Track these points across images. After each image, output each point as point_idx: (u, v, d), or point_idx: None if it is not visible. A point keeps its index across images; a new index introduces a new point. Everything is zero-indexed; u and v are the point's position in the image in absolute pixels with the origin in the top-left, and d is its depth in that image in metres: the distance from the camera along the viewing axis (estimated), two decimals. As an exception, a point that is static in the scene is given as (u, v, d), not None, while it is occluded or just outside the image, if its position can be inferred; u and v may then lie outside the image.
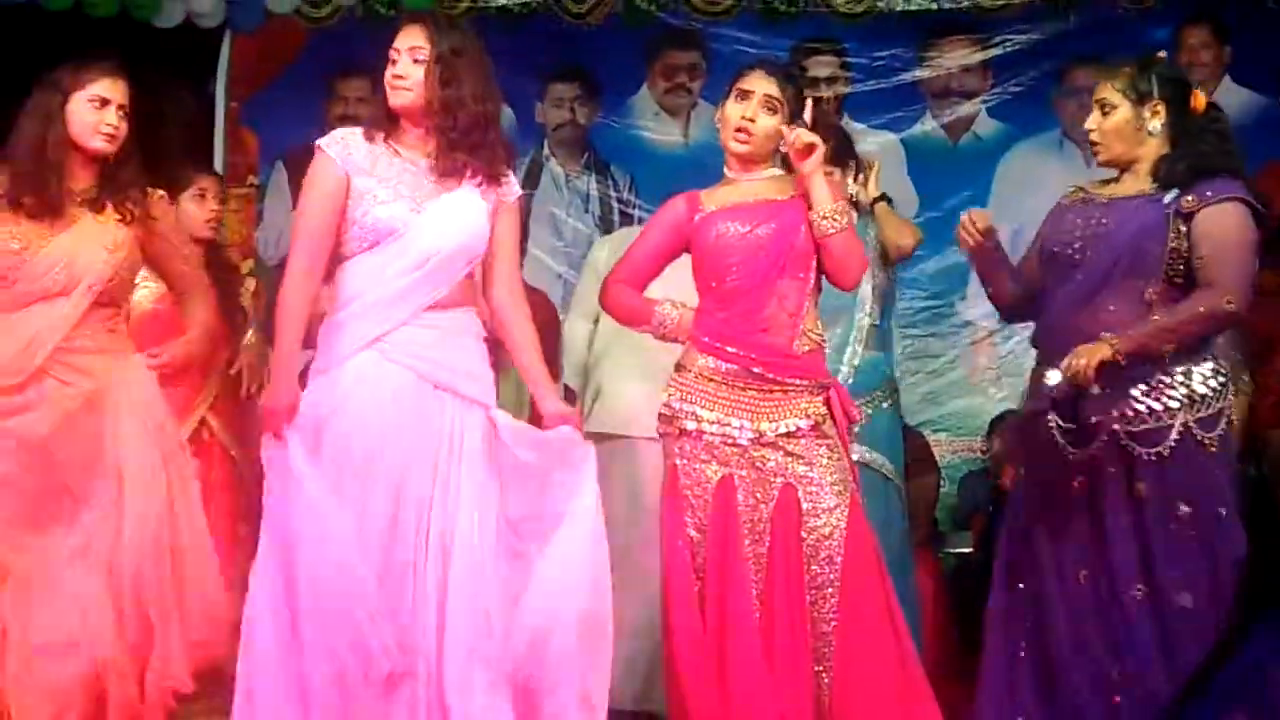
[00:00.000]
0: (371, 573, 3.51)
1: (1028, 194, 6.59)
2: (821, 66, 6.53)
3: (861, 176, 4.85)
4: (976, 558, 6.07)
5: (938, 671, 4.45)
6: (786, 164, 4.01)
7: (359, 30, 6.10)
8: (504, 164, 3.74)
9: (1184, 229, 3.85)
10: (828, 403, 3.92)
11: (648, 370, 4.35)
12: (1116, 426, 3.87)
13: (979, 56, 6.61)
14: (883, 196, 4.93)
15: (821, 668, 3.81)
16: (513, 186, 3.80)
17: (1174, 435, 3.83)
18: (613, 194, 6.70)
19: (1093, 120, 4.02)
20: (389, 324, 3.60)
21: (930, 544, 5.86)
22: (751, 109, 3.93)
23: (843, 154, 4.78)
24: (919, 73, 6.61)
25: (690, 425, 3.90)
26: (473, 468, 3.63)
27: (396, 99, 3.64)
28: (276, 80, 6.54)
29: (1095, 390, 3.80)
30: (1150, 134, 3.96)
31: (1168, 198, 3.90)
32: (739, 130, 3.94)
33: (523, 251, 5.81)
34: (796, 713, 3.77)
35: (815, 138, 3.90)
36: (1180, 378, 3.86)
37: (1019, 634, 4.00)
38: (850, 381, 4.62)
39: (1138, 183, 3.98)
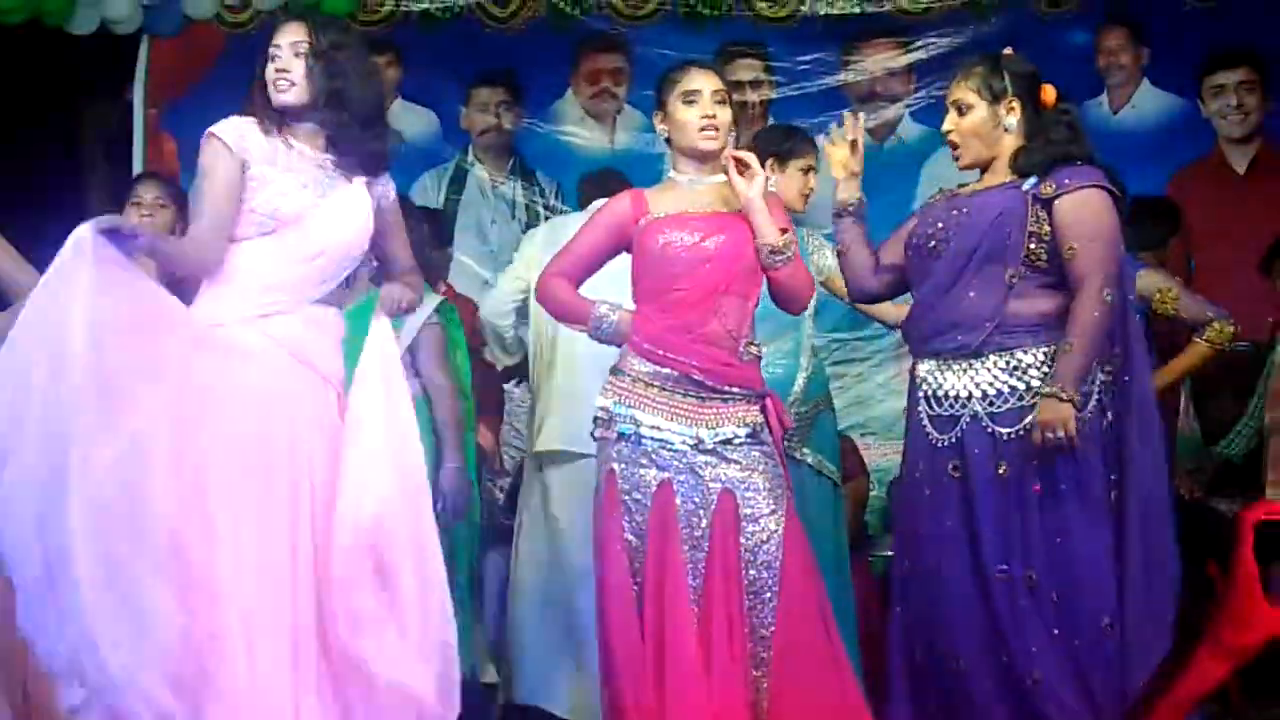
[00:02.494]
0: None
1: (952, 197, 6.64)
2: (745, 70, 6.53)
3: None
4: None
5: (870, 675, 4.47)
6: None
7: (279, 35, 6.02)
8: (387, 161, 3.74)
9: (1043, 214, 3.94)
10: (764, 411, 3.92)
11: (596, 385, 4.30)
12: (979, 408, 3.95)
13: (902, 60, 6.63)
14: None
15: (760, 672, 3.81)
16: (390, 185, 3.80)
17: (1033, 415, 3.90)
18: (539, 200, 6.66)
19: (950, 122, 4.09)
20: (271, 309, 3.57)
21: (860, 547, 5.86)
22: (709, 106, 3.92)
23: (800, 151, 4.79)
24: (843, 76, 6.62)
25: (628, 430, 3.88)
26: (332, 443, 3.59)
27: (281, 96, 3.60)
28: (195, 86, 6.45)
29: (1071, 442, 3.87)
30: (1006, 130, 4.03)
31: (1026, 184, 3.99)
32: (706, 128, 3.92)
33: (448, 258, 5.81)
34: (734, 717, 3.76)
35: (752, 158, 3.89)
36: (1041, 357, 3.94)
37: (916, 637, 4.06)
38: (803, 392, 4.66)
39: (997, 177, 4.07)
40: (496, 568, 5.23)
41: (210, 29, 6.22)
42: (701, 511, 3.85)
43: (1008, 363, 3.96)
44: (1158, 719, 3.89)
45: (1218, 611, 4.70)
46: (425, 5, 6.34)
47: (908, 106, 6.69)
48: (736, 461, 3.86)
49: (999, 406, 3.95)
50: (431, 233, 5.05)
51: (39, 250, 5.34)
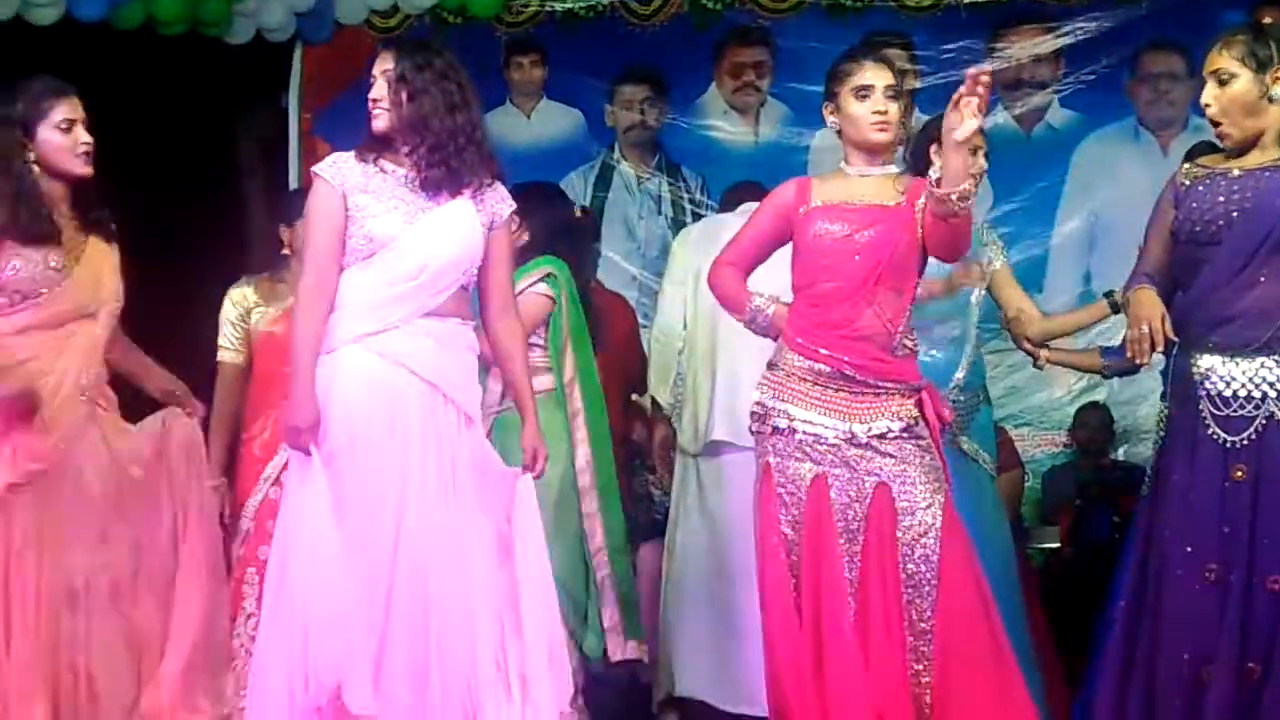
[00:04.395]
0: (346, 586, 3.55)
1: (1104, 182, 6.55)
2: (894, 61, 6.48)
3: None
4: (1065, 553, 6.02)
5: (1041, 672, 4.42)
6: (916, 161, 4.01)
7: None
8: (488, 174, 3.79)
9: None
10: (919, 405, 3.89)
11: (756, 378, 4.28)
12: (1275, 409, 3.77)
13: (1050, 46, 6.55)
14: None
15: (921, 666, 3.78)
16: (504, 201, 3.84)
17: None
18: (684, 194, 6.69)
19: (1209, 94, 3.83)
20: (380, 324, 3.66)
21: (1017, 540, 5.80)
22: (880, 101, 3.89)
23: None
24: (989, 64, 6.54)
25: (782, 424, 3.88)
26: (464, 475, 3.69)
27: (375, 122, 3.72)
28: (348, 91, 6.57)
29: None
30: (1273, 101, 3.80)
31: None
32: (878, 123, 3.89)
33: (597, 254, 5.85)
34: (895, 710, 3.74)
35: (978, 99, 3.68)
36: None
37: (1139, 638, 3.90)
38: (964, 380, 4.59)
39: (1267, 153, 3.84)
40: (653, 560, 5.25)
41: (360, 34, 6.34)
42: (856, 505, 3.84)
43: None
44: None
45: None
46: (569, 5, 6.41)
47: (1056, 92, 6.62)
48: (891, 455, 3.84)
49: None
50: (583, 222, 5.05)
51: (200, 257, 5.50)
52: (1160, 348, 3.78)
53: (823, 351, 3.86)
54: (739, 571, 4.46)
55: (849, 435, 3.85)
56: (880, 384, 3.86)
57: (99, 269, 3.98)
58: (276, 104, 6.61)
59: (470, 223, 3.75)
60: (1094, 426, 6.31)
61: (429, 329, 3.70)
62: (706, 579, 4.87)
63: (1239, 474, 3.78)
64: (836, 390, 3.86)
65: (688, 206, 6.67)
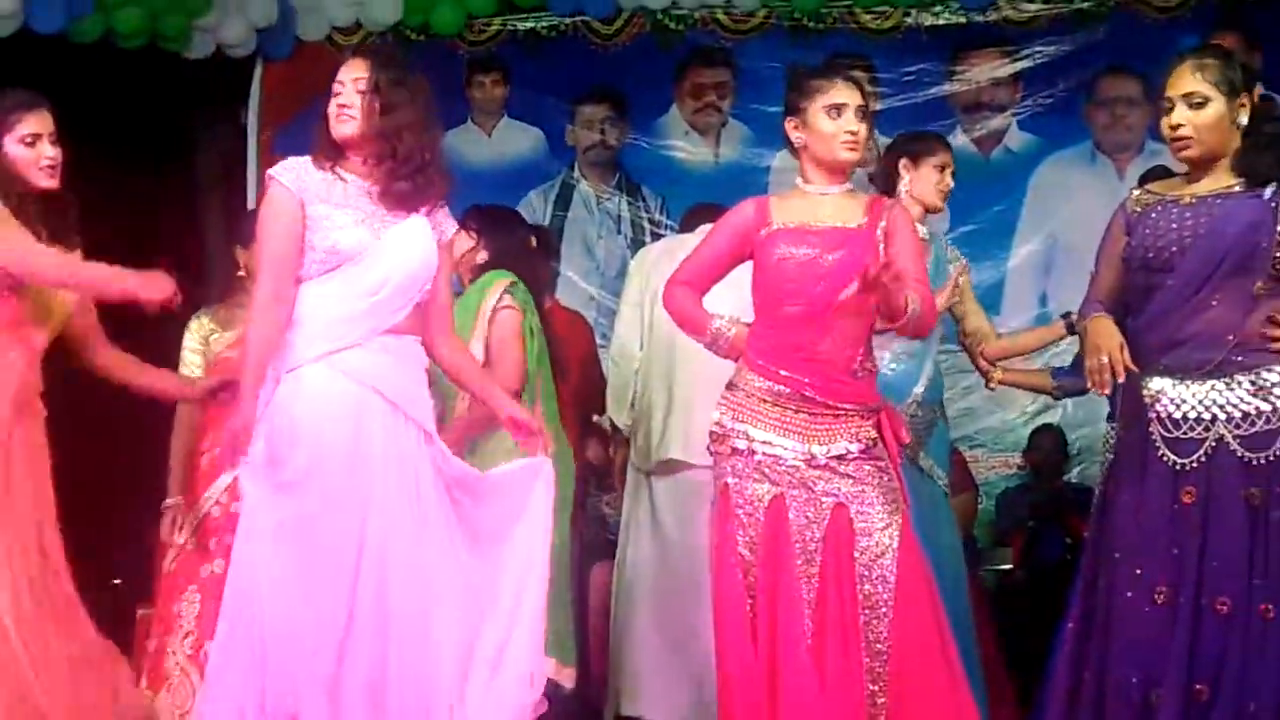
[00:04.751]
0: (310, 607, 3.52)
1: (1060, 206, 6.61)
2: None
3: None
4: (1018, 574, 6.05)
5: (987, 692, 4.43)
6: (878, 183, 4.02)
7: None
8: (442, 196, 3.78)
9: None
10: (877, 426, 3.90)
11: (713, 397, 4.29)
12: (1225, 431, 3.78)
13: (1008, 69, 6.60)
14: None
15: (876, 687, 3.78)
16: (449, 221, 3.84)
17: None
18: (644, 214, 6.71)
19: (1181, 116, 3.78)
20: (341, 343, 3.61)
21: (970, 561, 5.83)
22: (853, 121, 3.89)
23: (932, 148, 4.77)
24: (948, 87, 6.60)
25: (741, 444, 3.88)
26: (425, 494, 3.66)
27: (341, 128, 3.66)
28: (309, 108, 6.56)
29: None
30: (1237, 127, 3.80)
31: (1268, 192, 3.77)
32: (849, 141, 3.89)
33: (555, 274, 5.85)
34: (850, 731, 3.76)
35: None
36: None
37: (1088, 659, 3.90)
38: (923, 395, 4.60)
39: (1219, 179, 3.84)
40: (605, 581, 5.24)
41: (322, 51, 6.33)
42: (815, 526, 3.83)
43: (1254, 382, 3.74)
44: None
45: None
46: (531, 24, 6.42)
47: (1014, 116, 6.67)
48: (850, 476, 3.84)
49: (1247, 429, 3.74)
50: (540, 247, 5.06)
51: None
52: (1121, 378, 3.79)
53: (783, 373, 3.85)
54: (689, 590, 4.46)
55: (808, 456, 3.85)
56: (840, 406, 3.86)
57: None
58: (236, 120, 6.59)
59: (428, 239, 3.74)
60: (1047, 449, 6.35)
61: (388, 346, 3.67)
62: (656, 597, 4.86)
63: (1188, 496, 3.78)
64: (796, 411, 3.86)
65: (647, 226, 6.68)
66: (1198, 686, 3.73)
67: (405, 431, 3.66)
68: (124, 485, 5.20)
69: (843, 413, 3.86)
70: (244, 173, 6.50)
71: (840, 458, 3.84)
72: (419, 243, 3.72)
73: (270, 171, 3.71)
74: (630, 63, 6.58)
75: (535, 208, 6.66)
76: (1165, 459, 3.82)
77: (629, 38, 6.42)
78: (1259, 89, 3.86)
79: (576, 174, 6.75)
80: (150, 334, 4.92)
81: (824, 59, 6.43)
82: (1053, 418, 6.36)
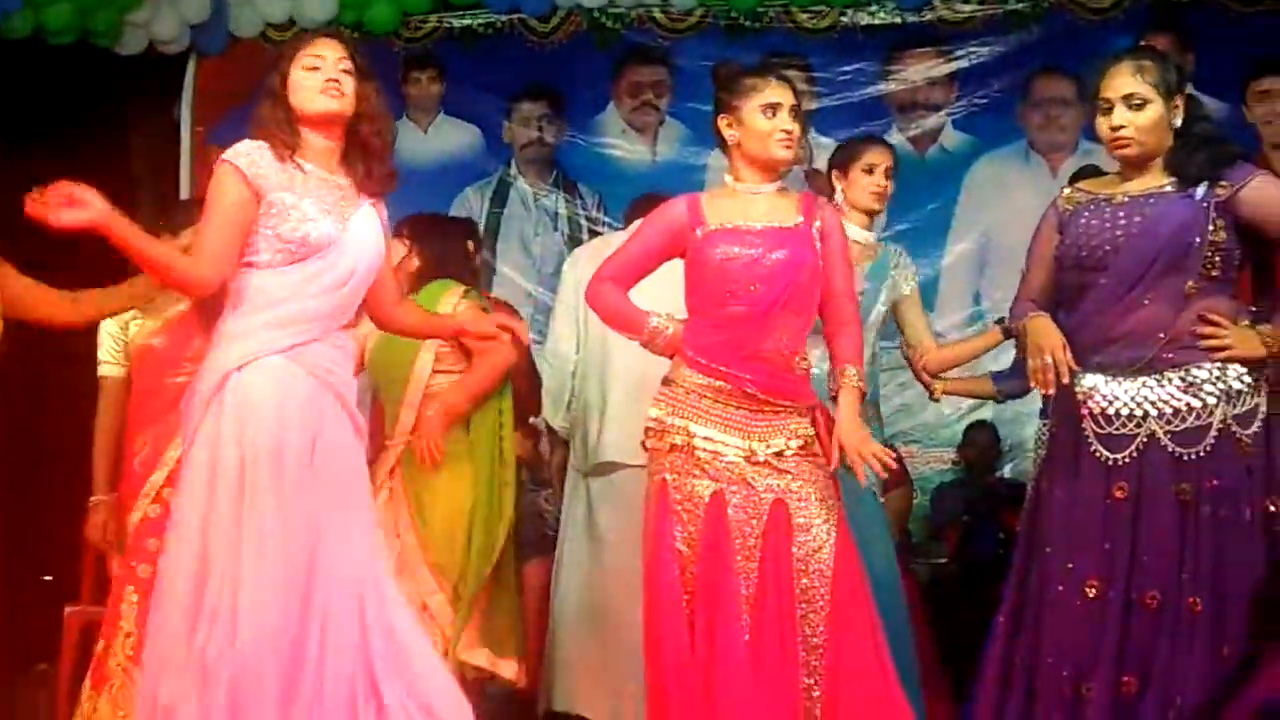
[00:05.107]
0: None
1: (994, 205, 6.65)
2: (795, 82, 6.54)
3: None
4: (952, 569, 6.09)
5: (922, 685, 4.46)
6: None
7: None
8: (392, 188, 3.75)
9: (1220, 221, 3.78)
10: (814, 423, 3.92)
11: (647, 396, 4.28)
12: (1156, 428, 3.82)
13: (943, 69, 6.64)
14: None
15: (812, 680, 3.80)
16: (384, 211, 3.78)
17: (1213, 433, 3.78)
18: (581, 212, 6.70)
19: (1121, 117, 3.80)
20: (305, 336, 3.54)
21: (905, 556, 5.86)
22: (787, 120, 3.91)
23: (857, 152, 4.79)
24: (884, 86, 6.63)
25: (680, 440, 3.88)
26: (360, 487, 3.66)
27: (327, 104, 3.57)
28: (242, 104, 6.51)
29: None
30: (1173, 128, 3.84)
31: (1199, 192, 3.81)
32: (784, 140, 3.90)
33: (492, 270, 5.84)
34: (786, 727, 3.77)
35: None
36: (1216, 373, 3.79)
37: (1019, 652, 3.94)
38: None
39: (1152, 179, 3.88)
40: (539, 576, 5.25)
41: (256, 47, 6.28)
42: (754, 521, 3.85)
43: (1184, 379, 3.78)
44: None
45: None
46: (467, 21, 6.39)
47: (949, 115, 6.70)
48: (788, 472, 3.86)
49: (1177, 425, 3.78)
50: (470, 240, 5.05)
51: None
52: (1065, 379, 3.82)
53: (723, 369, 3.86)
54: (624, 589, 4.46)
55: (748, 453, 3.86)
56: (780, 402, 3.88)
57: None
58: (169, 116, 6.53)
59: (380, 229, 3.70)
60: (982, 445, 6.40)
61: (341, 341, 3.63)
62: (591, 596, 4.87)
63: (1120, 491, 3.83)
64: (736, 408, 3.87)
65: (584, 224, 6.68)
66: (1126, 679, 3.78)
67: (348, 426, 3.62)
68: (56, 479, 5.13)
69: (782, 409, 3.88)
70: (176, 168, 6.44)
71: (779, 454, 3.86)
72: (375, 232, 3.68)
73: (226, 155, 3.56)
74: (567, 60, 6.57)
75: (472, 204, 6.65)
76: (1097, 455, 3.86)
77: (566, 35, 6.41)
78: (1187, 88, 3.91)
79: (514, 171, 6.74)
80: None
81: (760, 58, 6.47)
82: (987, 414, 6.40)
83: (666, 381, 3.95)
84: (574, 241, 6.64)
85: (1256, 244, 3.89)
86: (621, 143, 6.75)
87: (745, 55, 6.29)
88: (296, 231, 3.53)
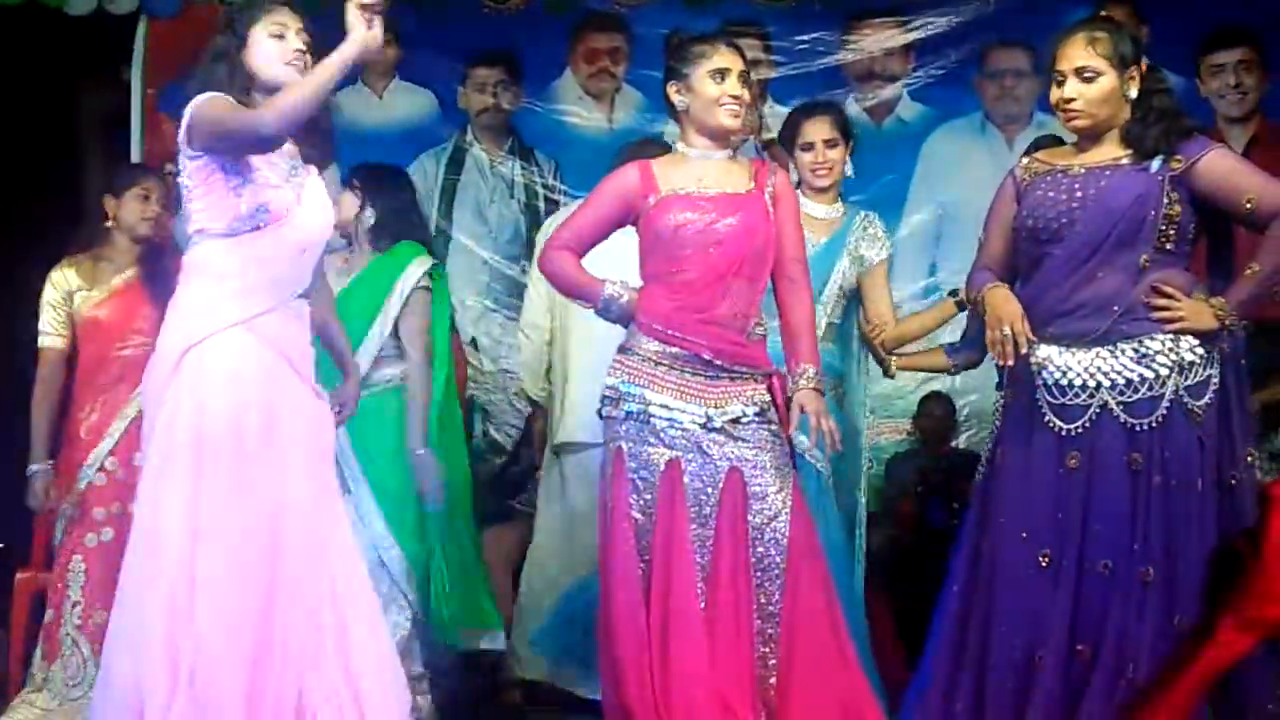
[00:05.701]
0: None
1: (951, 175, 6.65)
2: (745, 50, 6.51)
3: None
4: (907, 540, 6.11)
5: (874, 653, 4.48)
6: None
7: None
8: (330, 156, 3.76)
9: (1174, 195, 3.80)
10: (770, 390, 3.91)
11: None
12: (1109, 398, 3.84)
13: (901, 39, 6.62)
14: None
15: (767, 649, 3.83)
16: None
17: (1165, 404, 3.80)
18: (537, 179, 6.65)
19: (1073, 89, 3.82)
20: (263, 306, 3.51)
21: (861, 527, 5.87)
22: (735, 86, 3.91)
23: (788, 134, 4.77)
24: (842, 56, 6.60)
25: (636, 408, 3.88)
26: (326, 457, 3.64)
27: (291, 75, 3.52)
28: (193, 67, 6.43)
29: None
30: (1127, 100, 3.85)
31: (1154, 165, 3.83)
32: (731, 107, 3.90)
33: (447, 237, 5.78)
34: (739, 694, 3.77)
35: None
36: (1169, 344, 3.81)
37: (972, 621, 3.95)
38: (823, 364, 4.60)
39: (1108, 150, 3.89)
40: (496, 544, 5.25)
41: (209, 9, 6.18)
42: (710, 489, 3.86)
43: (1136, 350, 3.81)
44: (1177, 694, 3.85)
45: (1243, 585, 4.63)
46: (425, -16, 6.33)
47: (906, 86, 6.68)
48: (744, 440, 3.87)
49: (1130, 396, 3.80)
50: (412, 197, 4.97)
51: (37, 231, 5.34)
52: (1025, 349, 3.83)
53: (678, 335, 3.87)
54: (593, 561, 4.46)
55: (704, 420, 3.87)
56: (735, 369, 3.89)
57: None
58: (119, 78, 6.45)
59: (327, 198, 3.69)
60: (937, 416, 6.41)
61: (299, 311, 3.60)
62: (561, 567, 4.89)
63: (1073, 461, 3.85)
64: (693, 375, 3.88)
65: (541, 191, 6.63)
66: (1079, 647, 3.81)
67: (307, 396, 3.60)
68: (7, 444, 5.09)
69: (738, 376, 3.89)
70: (126, 130, 6.36)
71: (735, 421, 3.87)
72: (325, 201, 3.67)
73: (200, 98, 3.48)
74: (524, 26, 6.51)
75: (427, 170, 6.58)
76: (1051, 424, 3.87)
77: (523, 1, 6.36)
78: (1144, 61, 3.91)
79: (469, 137, 6.68)
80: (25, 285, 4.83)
81: (718, 26, 6.44)
82: (942, 385, 6.41)
83: (622, 349, 3.95)
84: (530, 209, 6.59)
85: (1211, 217, 3.92)
86: (578, 110, 6.70)
87: (703, 23, 6.25)
88: (256, 198, 3.49)
